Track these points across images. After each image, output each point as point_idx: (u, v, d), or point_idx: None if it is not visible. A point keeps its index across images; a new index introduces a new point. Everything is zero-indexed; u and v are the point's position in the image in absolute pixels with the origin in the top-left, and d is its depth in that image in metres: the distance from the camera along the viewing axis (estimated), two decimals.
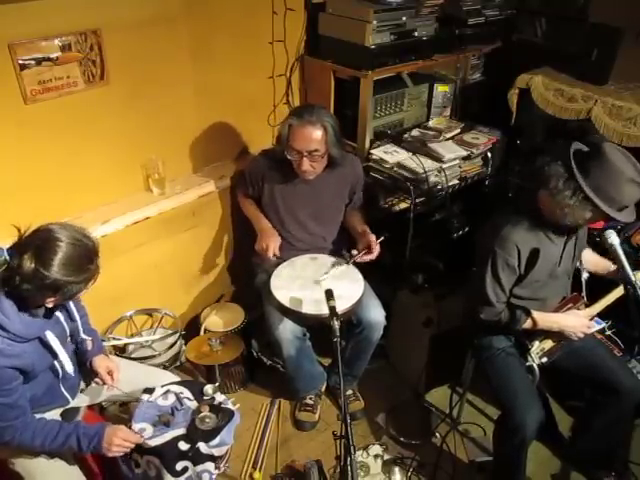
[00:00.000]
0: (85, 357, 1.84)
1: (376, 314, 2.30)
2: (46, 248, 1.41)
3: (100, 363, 1.83)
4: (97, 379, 1.84)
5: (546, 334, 2.03)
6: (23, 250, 1.41)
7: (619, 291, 1.97)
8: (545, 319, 1.97)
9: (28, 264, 1.39)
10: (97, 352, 1.85)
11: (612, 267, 2.10)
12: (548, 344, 2.05)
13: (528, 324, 1.96)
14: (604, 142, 1.77)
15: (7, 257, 1.42)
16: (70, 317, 1.72)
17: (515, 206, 1.96)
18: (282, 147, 2.20)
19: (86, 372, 1.88)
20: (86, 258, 1.46)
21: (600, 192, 1.70)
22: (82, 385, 1.90)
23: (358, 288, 2.21)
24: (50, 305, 1.50)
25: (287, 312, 2.16)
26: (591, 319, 2.05)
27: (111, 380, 1.82)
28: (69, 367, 1.70)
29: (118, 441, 1.62)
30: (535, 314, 1.94)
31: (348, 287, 2.19)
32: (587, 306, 2.07)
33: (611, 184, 1.69)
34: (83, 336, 1.78)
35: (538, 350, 2.03)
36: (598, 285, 2.12)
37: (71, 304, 1.71)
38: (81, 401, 1.88)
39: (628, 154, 1.73)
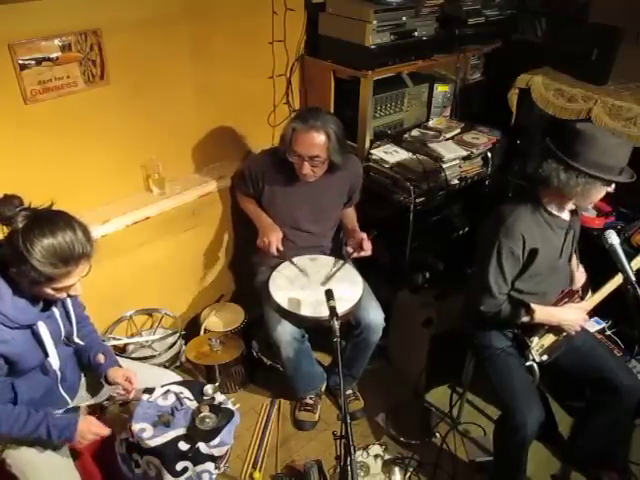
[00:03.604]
0: (99, 371, 1.82)
1: (375, 316, 2.30)
2: (43, 225, 1.40)
3: (116, 374, 1.80)
4: (118, 391, 1.81)
5: (545, 330, 2.04)
6: (28, 213, 1.42)
7: (614, 282, 1.97)
8: (544, 312, 1.97)
9: (19, 222, 1.39)
10: (111, 364, 1.83)
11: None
12: (548, 340, 2.05)
13: (527, 317, 1.96)
14: (577, 124, 1.86)
15: (17, 212, 1.42)
16: (67, 317, 1.71)
17: (519, 199, 1.98)
18: (284, 148, 2.20)
19: (90, 378, 1.88)
20: (62, 258, 1.41)
21: (599, 166, 1.75)
22: (83, 381, 1.90)
23: (357, 290, 2.21)
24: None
25: (286, 314, 2.16)
26: (589, 312, 2.06)
27: (131, 385, 1.79)
28: (55, 365, 1.67)
29: (91, 436, 1.64)
30: (534, 307, 1.94)
31: (347, 289, 2.19)
32: (582, 299, 2.07)
33: (604, 154, 1.75)
34: (76, 340, 1.76)
35: (538, 347, 2.03)
36: (598, 283, 2.12)
37: (69, 304, 1.70)
38: (81, 401, 1.88)
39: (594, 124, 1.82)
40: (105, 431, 1.67)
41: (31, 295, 1.51)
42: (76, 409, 1.85)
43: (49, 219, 1.43)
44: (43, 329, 1.58)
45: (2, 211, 1.42)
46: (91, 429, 1.63)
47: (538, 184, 1.89)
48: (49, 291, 1.47)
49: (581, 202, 1.88)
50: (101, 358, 1.80)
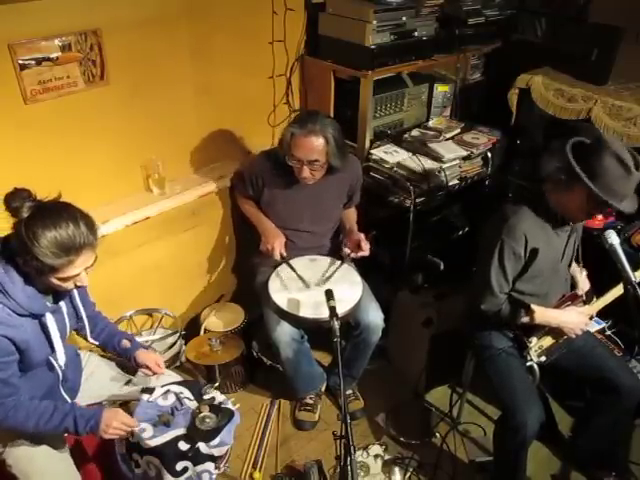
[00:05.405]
0: (127, 355, 1.88)
1: (375, 317, 2.30)
2: (46, 215, 1.43)
3: (145, 357, 1.88)
4: (145, 370, 1.88)
5: (545, 331, 2.04)
6: (32, 204, 1.44)
7: (618, 289, 1.97)
8: (544, 314, 1.97)
9: (23, 213, 1.42)
10: (137, 347, 1.90)
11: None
12: (547, 342, 2.05)
13: (527, 318, 1.96)
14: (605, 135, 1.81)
15: (23, 203, 1.44)
16: (76, 314, 1.73)
17: (523, 199, 1.97)
18: (283, 152, 2.21)
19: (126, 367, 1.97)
20: (63, 248, 1.44)
21: (594, 178, 1.72)
22: (84, 381, 1.91)
23: (357, 291, 2.21)
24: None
25: (285, 315, 2.16)
26: (591, 318, 2.06)
27: (160, 368, 1.88)
28: (61, 360, 1.69)
29: (116, 424, 1.63)
30: (535, 308, 1.94)
31: (347, 290, 2.19)
32: (585, 304, 2.07)
33: (601, 165, 1.71)
34: (90, 340, 1.82)
35: (536, 347, 2.03)
36: (598, 283, 2.12)
37: (78, 302, 1.71)
38: (81, 401, 1.88)
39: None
40: (131, 422, 1.67)
41: (40, 287, 1.53)
42: None
43: (52, 210, 1.46)
44: (51, 322, 1.60)
45: (11, 203, 1.44)
46: (117, 418, 1.63)
47: (541, 177, 1.88)
48: (55, 281, 1.50)
49: (566, 210, 1.87)
50: (127, 343, 1.88)
